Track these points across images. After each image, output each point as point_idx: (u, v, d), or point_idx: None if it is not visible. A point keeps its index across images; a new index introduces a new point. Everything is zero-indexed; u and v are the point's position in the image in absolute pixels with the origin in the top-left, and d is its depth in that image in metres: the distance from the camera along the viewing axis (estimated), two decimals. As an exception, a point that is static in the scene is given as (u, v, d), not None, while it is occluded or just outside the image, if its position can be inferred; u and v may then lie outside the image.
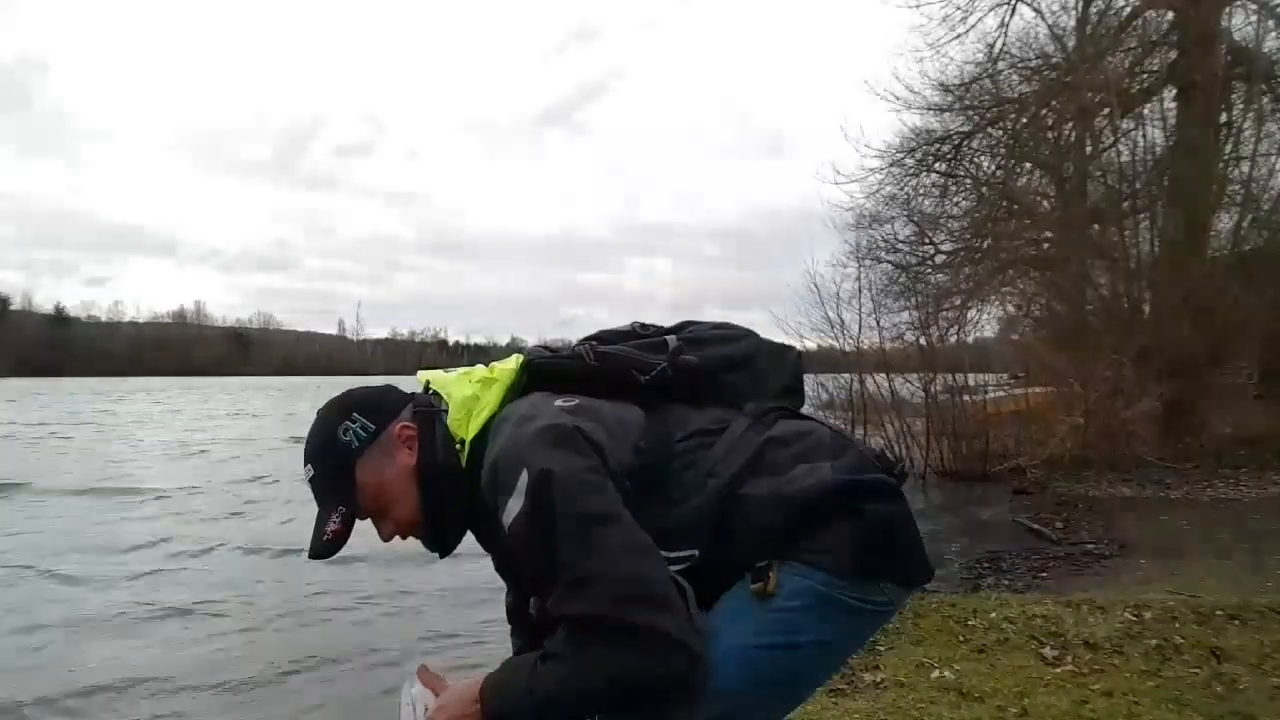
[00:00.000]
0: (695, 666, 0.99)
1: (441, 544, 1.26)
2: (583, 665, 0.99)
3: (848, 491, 1.09)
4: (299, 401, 32.05)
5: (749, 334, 1.38)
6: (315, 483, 1.20)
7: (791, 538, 1.09)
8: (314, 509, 1.19)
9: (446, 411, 1.22)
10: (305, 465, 1.22)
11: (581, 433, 1.08)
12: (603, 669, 0.99)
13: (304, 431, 1.24)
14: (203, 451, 15.41)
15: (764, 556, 1.08)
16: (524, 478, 1.03)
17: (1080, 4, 11.87)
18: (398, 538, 1.25)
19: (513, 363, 1.25)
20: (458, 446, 1.19)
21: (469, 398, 1.21)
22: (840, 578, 1.08)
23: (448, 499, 1.20)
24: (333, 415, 1.22)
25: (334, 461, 1.19)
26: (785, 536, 1.09)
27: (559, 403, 1.15)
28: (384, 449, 1.20)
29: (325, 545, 1.18)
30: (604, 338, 1.34)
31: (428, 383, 1.32)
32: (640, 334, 1.35)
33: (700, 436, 1.18)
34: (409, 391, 1.31)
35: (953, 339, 11.84)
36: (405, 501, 1.20)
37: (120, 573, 5.97)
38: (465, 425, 1.20)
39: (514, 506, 1.03)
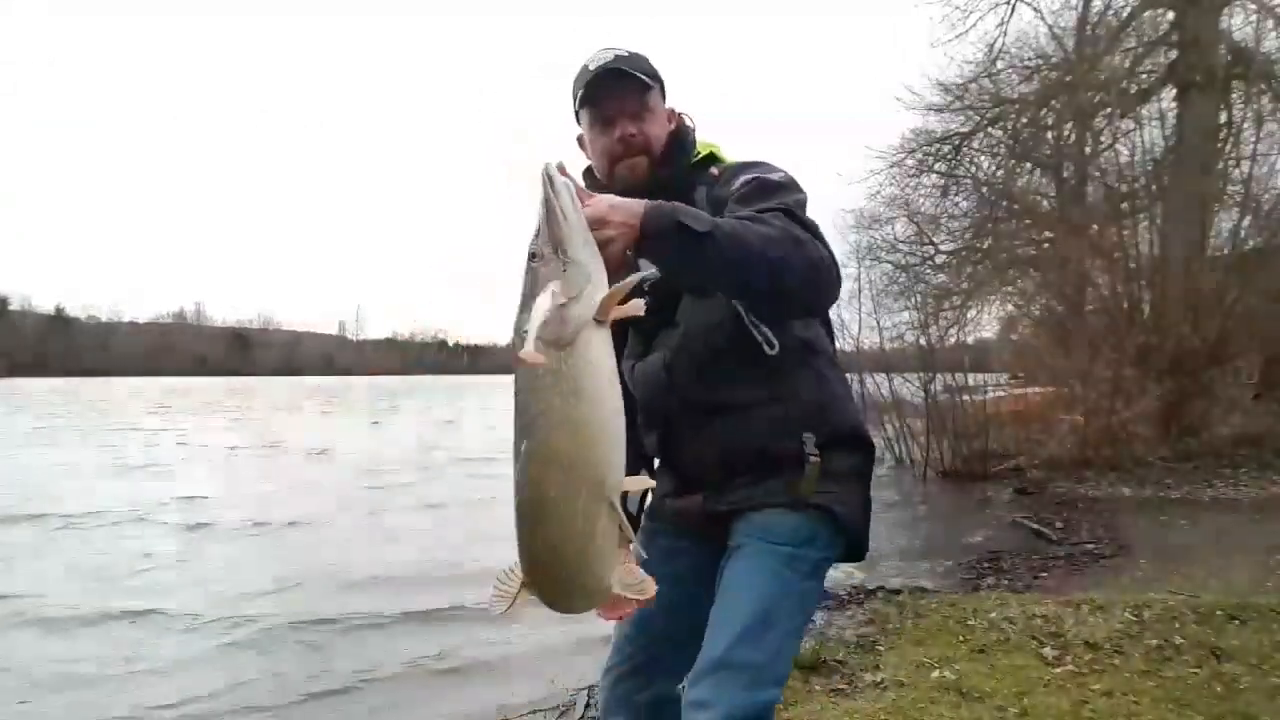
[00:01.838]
0: (837, 283, 1.32)
1: (651, 169, 1.51)
2: (785, 233, 1.24)
3: None
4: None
5: None
6: (625, 60, 1.47)
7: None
8: None
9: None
10: (610, 50, 1.49)
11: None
12: (796, 245, 1.24)
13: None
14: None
15: None
16: (783, 172, 1.45)
17: (1080, 4, 11.89)
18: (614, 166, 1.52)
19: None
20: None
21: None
22: None
23: (686, 146, 1.56)
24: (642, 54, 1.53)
25: (649, 66, 1.51)
26: None
27: None
28: (663, 97, 1.56)
29: (624, 63, 1.47)
30: None
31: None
32: None
33: None
34: None
35: (953, 339, 11.85)
36: (660, 129, 1.52)
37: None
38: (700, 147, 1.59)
39: (772, 174, 1.42)
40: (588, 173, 1.61)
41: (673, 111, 1.59)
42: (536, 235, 1.09)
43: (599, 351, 1.08)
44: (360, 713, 3.57)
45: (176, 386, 63.16)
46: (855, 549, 1.48)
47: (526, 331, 1.03)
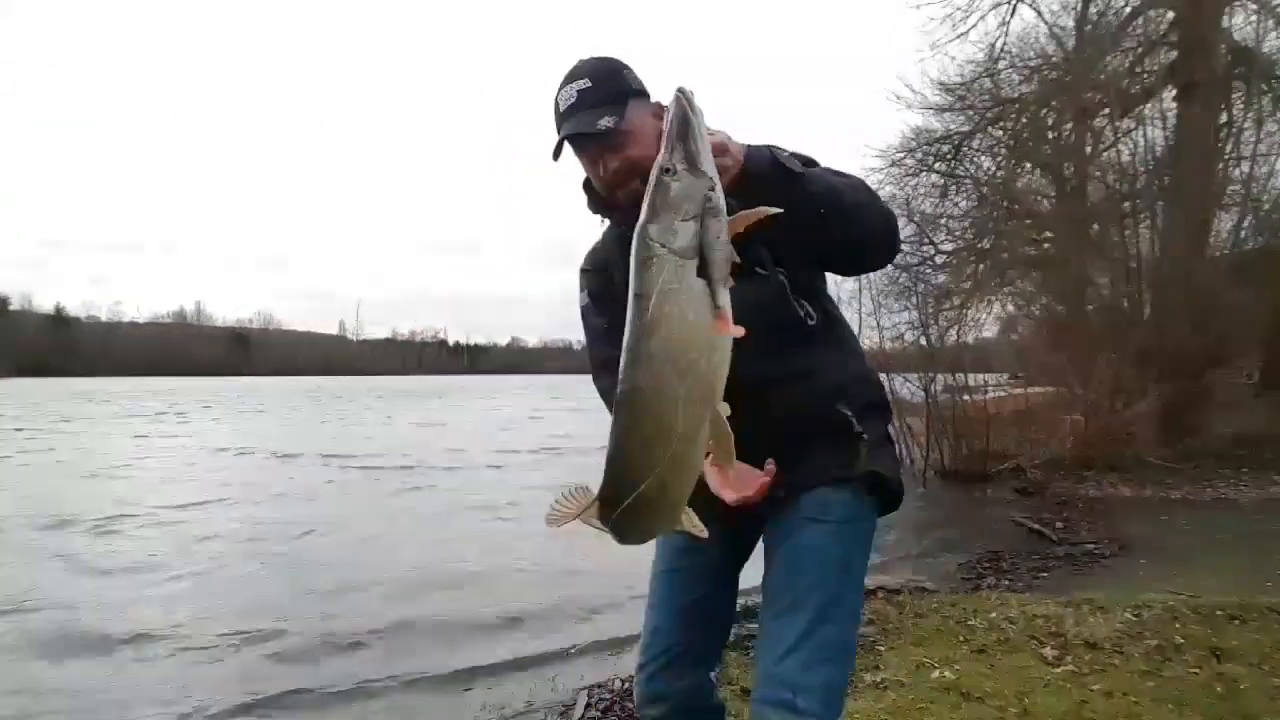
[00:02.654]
0: (899, 240, 1.45)
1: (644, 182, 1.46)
2: (863, 184, 1.34)
3: None
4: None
5: None
6: (589, 94, 1.41)
7: None
8: None
9: None
10: (575, 82, 1.43)
11: None
12: (872, 196, 1.35)
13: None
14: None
15: None
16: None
17: (1080, 4, 11.89)
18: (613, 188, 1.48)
19: None
20: None
21: None
22: None
23: None
24: (614, 61, 1.48)
25: (616, 86, 1.44)
26: None
27: None
28: (648, 109, 1.47)
29: (600, 132, 1.40)
30: None
31: None
32: None
33: None
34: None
35: (953, 339, 11.84)
36: (645, 144, 1.41)
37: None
38: None
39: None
40: (588, 185, 1.60)
41: (660, 108, 1.49)
42: (670, 152, 1.10)
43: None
44: (360, 713, 3.57)
45: (175, 387, 63.13)
46: (894, 503, 1.56)
47: (659, 242, 1.07)
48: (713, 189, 1.09)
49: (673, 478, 1.14)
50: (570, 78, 1.46)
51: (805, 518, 1.47)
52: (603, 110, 1.41)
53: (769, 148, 1.24)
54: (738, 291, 1.38)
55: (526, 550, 6.55)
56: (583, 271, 1.68)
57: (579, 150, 1.47)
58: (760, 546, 1.60)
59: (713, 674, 1.65)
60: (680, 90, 1.11)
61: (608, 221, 1.63)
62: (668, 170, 1.09)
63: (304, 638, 4.51)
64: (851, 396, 1.50)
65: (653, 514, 1.20)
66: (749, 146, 1.23)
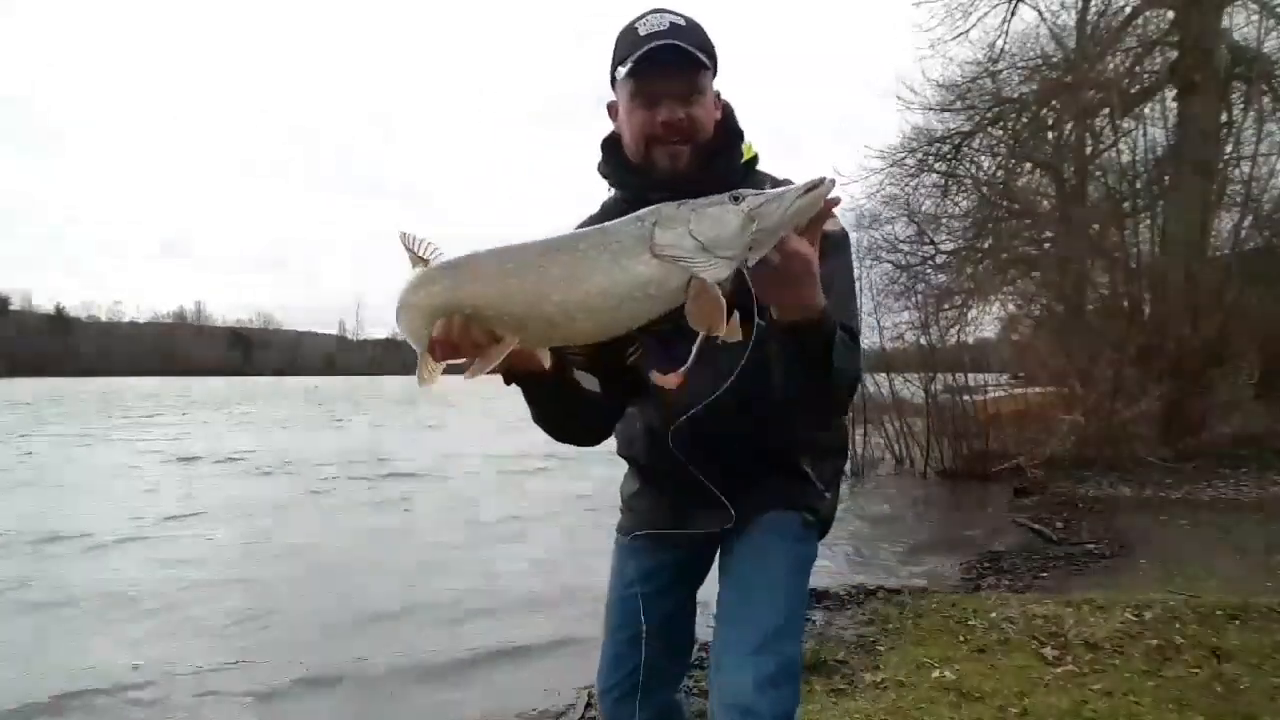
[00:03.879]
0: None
1: (693, 151, 1.40)
2: (856, 371, 1.36)
3: None
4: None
5: None
6: (683, 31, 1.34)
7: None
8: None
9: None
10: (665, 14, 1.36)
11: None
12: (853, 385, 1.39)
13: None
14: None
15: None
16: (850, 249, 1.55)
17: (1080, 4, 11.88)
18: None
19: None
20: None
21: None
22: None
23: (736, 141, 1.46)
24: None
25: (708, 39, 1.38)
26: None
27: None
28: (712, 84, 1.42)
29: (695, 60, 1.34)
30: None
31: None
32: None
33: None
34: None
35: (953, 339, 11.84)
36: (708, 115, 1.40)
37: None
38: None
39: (850, 267, 1.50)
40: (611, 145, 1.49)
41: (719, 96, 1.45)
42: (766, 201, 1.06)
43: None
44: (359, 713, 3.57)
45: (174, 388, 63.00)
46: (822, 534, 1.63)
47: (689, 230, 1.06)
48: (745, 263, 1.07)
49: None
50: (656, 10, 1.37)
51: (759, 535, 1.51)
52: (697, 54, 1.34)
53: (834, 328, 1.22)
54: (740, 346, 1.38)
55: (527, 550, 6.56)
56: None
57: (649, 80, 1.35)
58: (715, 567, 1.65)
59: (678, 695, 1.69)
60: (826, 179, 1.06)
61: (612, 191, 1.54)
62: (737, 199, 1.07)
63: (301, 632, 4.51)
64: (815, 449, 1.57)
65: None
66: (827, 309, 1.19)
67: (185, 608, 5.04)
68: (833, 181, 1.07)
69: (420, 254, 1.15)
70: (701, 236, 1.05)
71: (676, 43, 1.31)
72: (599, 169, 1.51)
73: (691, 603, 1.68)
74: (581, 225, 1.56)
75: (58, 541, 6.92)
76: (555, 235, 1.14)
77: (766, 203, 1.06)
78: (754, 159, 1.49)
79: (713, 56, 1.38)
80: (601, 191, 1.58)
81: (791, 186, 1.07)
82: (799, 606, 1.52)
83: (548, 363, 1.17)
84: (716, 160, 1.41)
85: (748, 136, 1.49)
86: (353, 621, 4.76)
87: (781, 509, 1.52)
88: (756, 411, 1.44)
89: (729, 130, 1.45)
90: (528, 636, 4.40)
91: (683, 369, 1.21)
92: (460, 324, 1.11)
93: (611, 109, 1.48)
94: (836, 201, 1.07)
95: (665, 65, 1.32)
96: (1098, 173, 12.24)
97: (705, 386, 1.43)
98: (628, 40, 1.36)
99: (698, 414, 1.45)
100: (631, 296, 1.07)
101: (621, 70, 1.36)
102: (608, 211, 1.52)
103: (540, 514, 8.10)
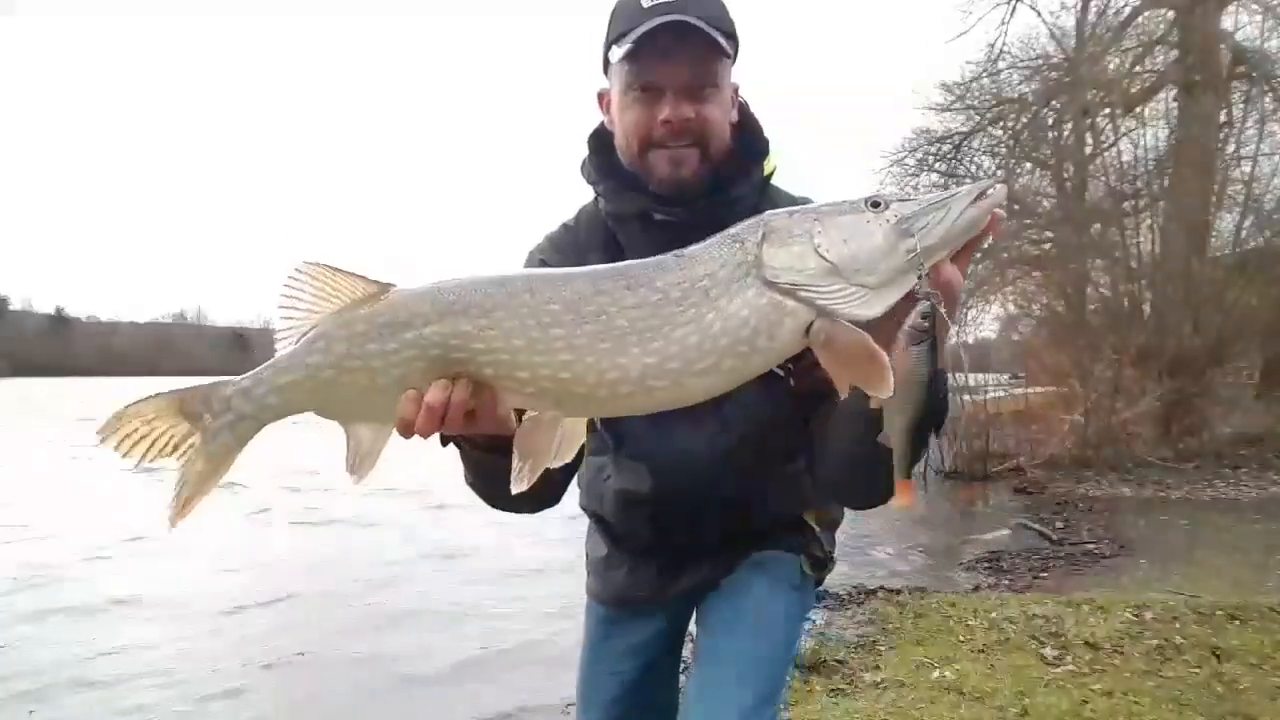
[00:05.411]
0: None
1: (701, 157, 1.13)
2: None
3: None
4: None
5: None
6: (695, 2, 1.08)
7: None
8: None
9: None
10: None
11: None
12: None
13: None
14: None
15: None
16: None
17: (1080, 4, 11.89)
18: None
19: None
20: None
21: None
22: None
23: (756, 152, 1.19)
24: None
25: (727, 17, 1.12)
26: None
27: None
28: (731, 73, 1.15)
29: (694, 7, 1.08)
30: None
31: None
32: None
33: None
34: None
35: (953, 339, 11.82)
36: (722, 113, 1.13)
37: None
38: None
39: None
40: (597, 141, 1.21)
41: (736, 90, 1.17)
42: (914, 210, 0.79)
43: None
44: (359, 714, 3.57)
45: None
46: (819, 583, 1.46)
47: (814, 247, 0.79)
48: (915, 290, 0.78)
49: None
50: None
51: (750, 576, 1.32)
52: (713, 33, 1.06)
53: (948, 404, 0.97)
54: (748, 395, 0.99)
55: (528, 550, 6.55)
56: (534, 253, 1.28)
57: (650, 67, 1.06)
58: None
59: None
60: (997, 185, 0.80)
61: (593, 197, 1.26)
62: (878, 205, 0.79)
63: (300, 632, 4.51)
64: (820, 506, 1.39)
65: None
66: (943, 377, 0.90)
67: (185, 606, 5.04)
68: (1004, 187, 0.81)
69: (360, 276, 0.82)
70: (832, 255, 0.77)
71: (686, 18, 1.03)
72: (582, 170, 1.24)
73: (673, 672, 1.50)
74: (548, 241, 1.27)
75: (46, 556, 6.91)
76: (604, 265, 0.85)
77: (922, 212, 0.78)
78: (771, 173, 1.23)
79: (733, 38, 1.11)
80: (578, 199, 1.29)
81: (956, 192, 0.79)
82: (782, 674, 1.31)
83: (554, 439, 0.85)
84: (729, 173, 1.15)
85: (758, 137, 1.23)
86: (349, 623, 4.76)
87: (780, 550, 1.34)
88: (759, 475, 1.21)
89: (747, 137, 1.18)
90: (528, 635, 4.40)
91: (910, 480, 0.89)
92: (463, 389, 0.80)
93: (602, 98, 1.21)
94: (1003, 217, 0.81)
95: (670, 47, 1.04)
96: (1099, 173, 12.24)
97: (700, 443, 1.17)
98: (626, 14, 1.08)
99: (692, 477, 1.19)
100: (734, 351, 0.78)
101: (616, 50, 1.08)
102: (587, 221, 1.26)
103: (533, 520, 8.06)
